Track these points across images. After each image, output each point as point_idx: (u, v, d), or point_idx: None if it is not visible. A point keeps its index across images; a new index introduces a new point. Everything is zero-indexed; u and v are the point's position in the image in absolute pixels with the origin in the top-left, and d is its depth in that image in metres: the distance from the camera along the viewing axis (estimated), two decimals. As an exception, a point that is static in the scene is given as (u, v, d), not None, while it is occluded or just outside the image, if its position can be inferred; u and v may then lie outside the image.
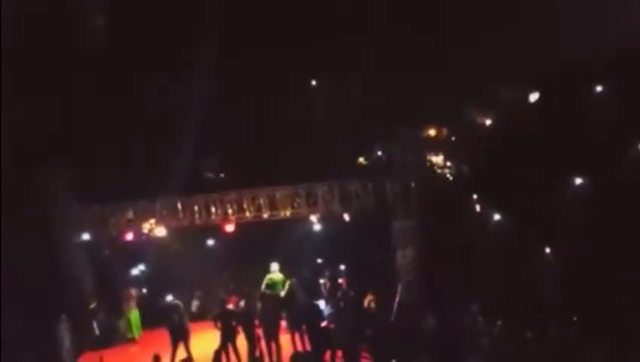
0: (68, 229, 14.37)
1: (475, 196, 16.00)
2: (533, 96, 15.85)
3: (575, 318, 13.29)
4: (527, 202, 15.20)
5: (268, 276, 14.01)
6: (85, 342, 14.25)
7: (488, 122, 15.88)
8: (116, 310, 15.12)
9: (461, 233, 15.14)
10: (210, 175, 16.12)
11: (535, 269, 15.17)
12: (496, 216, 15.97)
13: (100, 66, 13.63)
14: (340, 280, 15.17)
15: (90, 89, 13.67)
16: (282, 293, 13.55)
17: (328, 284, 14.81)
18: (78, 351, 13.83)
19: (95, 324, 14.69)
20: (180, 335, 12.70)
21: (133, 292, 15.08)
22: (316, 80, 16.17)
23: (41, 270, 13.66)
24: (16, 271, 13.26)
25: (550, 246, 15.66)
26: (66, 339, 13.27)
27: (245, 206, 14.33)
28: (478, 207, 16.11)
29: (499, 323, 12.62)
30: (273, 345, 12.68)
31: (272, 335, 12.65)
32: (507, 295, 13.77)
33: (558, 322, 13.05)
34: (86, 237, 14.48)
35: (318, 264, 15.94)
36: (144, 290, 15.60)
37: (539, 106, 15.81)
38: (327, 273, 15.23)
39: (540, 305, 13.85)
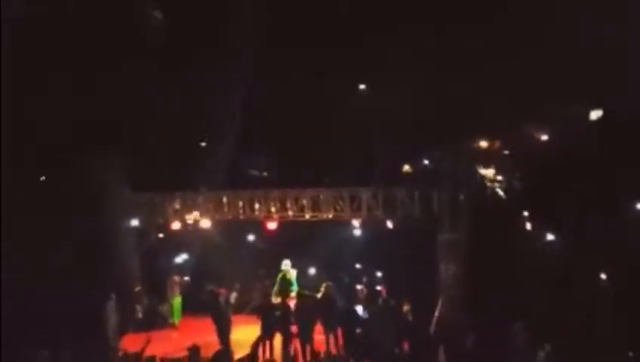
0: (119, 214, 15.06)
1: (526, 213, 15.43)
2: (596, 114, 15.13)
3: (631, 354, 12.55)
4: (582, 224, 14.51)
5: (281, 273, 14.08)
6: (128, 323, 14.77)
7: (545, 137, 15.25)
8: (160, 295, 15.63)
9: (509, 250, 14.66)
10: (255, 172, 16.38)
11: (588, 295, 14.48)
12: (548, 236, 15.36)
13: (155, 60, 14.14)
14: (379, 288, 15.08)
15: (147, 81, 14.21)
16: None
17: (365, 290, 14.71)
18: (122, 331, 14.39)
19: (138, 307, 15.23)
20: (224, 324, 12.95)
21: (177, 278, 15.49)
22: (366, 83, 16.06)
23: (93, 250, 14.45)
24: (70, 248, 14.09)
25: (606, 273, 14.90)
26: (112, 318, 13.85)
27: (288, 205, 14.46)
28: (528, 225, 15.53)
29: (547, 346, 12.15)
30: (307, 346, 12.75)
31: (307, 336, 12.71)
32: (556, 319, 13.21)
33: (610, 353, 12.39)
34: (135, 223, 15.04)
35: (357, 269, 15.86)
36: (186, 278, 16.02)
37: (601, 125, 15.08)
38: (364, 279, 15.12)
39: (591, 333, 13.19)
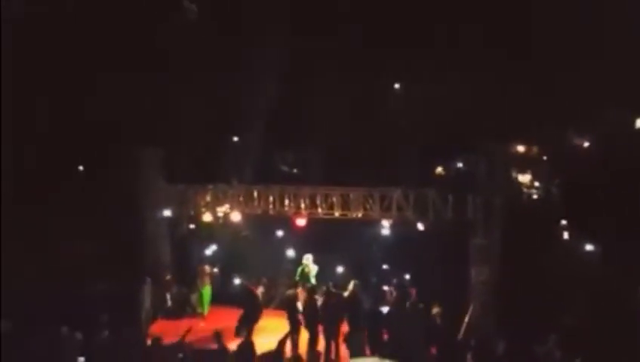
0: (153, 204, 15.35)
1: (563, 222, 14.95)
2: (640, 122, 14.54)
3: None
4: (622, 235, 13.96)
5: (301, 267, 14.14)
6: (158, 311, 15.01)
7: (586, 144, 14.72)
8: (189, 284, 15.81)
9: (544, 259, 14.25)
10: (285, 169, 16.41)
11: (625, 310, 13.91)
12: (587, 247, 14.84)
13: (190, 54, 14.35)
14: (407, 290, 14.89)
15: (181, 76, 14.46)
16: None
17: (394, 292, 14.55)
18: (153, 317, 14.64)
19: (168, 295, 15.48)
20: (255, 319, 13.07)
21: (207, 269, 15.61)
22: (401, 83, 15.85)
23: (128, 238, 14.82)
24: (108, 235, 14.47)
25: (646, 287, 14.26)
26: (147, 301, 14.19)
27: (318, 202, 14.39)
28: (565, 234, 15.05)
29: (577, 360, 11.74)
30: (332, 344, 12.71)
31: (333, 334, 12.68)
32: (589, 332, 12.75)
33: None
34: (167, 213, 15.32)
35: (384, 270, 15.71)
36: (215, 269, 16.19)
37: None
38: (394, 281, 14.96)
39: (626, 350, 12.66)
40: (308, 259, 14.38)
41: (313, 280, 14.16)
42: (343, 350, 12.56)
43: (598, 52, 13.46)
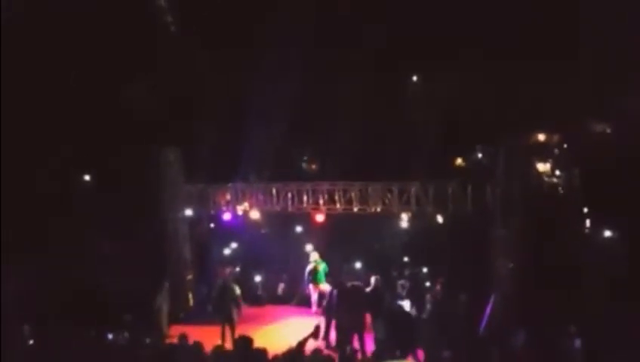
0: (174, 203, 15.50)
1: (585, 210, 14.76)
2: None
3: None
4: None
5: (311, 265, 14.18)
6: (179, 311, 15.15)
7: (608, 130, 14.46)
8: (210, 284, 15.89)
9: (566, 248, 14.08)
10: (303, 165, 16.42)
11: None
12: (608, 235, 14.62)
13: (207, 54, 14.42)
14: (427, 284, 14.88)
15: (198, 74, 14.54)
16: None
17: (408, 285, 14.54)
18: (174, 318, 14.78)
19: (190, 295, 15.63)
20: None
21: (226, 268, 15.73)
22: (419, 75, 15.73)
23: (149, 238, 15.00)
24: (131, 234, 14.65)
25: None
26: (165, 305, 14.29)
27: (337, 197, 14.38)
28: (588, 223, 14.86)
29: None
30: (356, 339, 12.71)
31: (356, 329, 12.68)
32: (614, 323, 12.57)
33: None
34: (188, 213, 15.44)
35: (403, 263, 15.68)
36: (237, 269, 16.31)
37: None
38: (406, 273, 14.94)
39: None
40: (314, 256, 14.39)
41: (324, 279, 14.17)
42: (369, 345, 12.56)
43: (617, 39, 13.20)
